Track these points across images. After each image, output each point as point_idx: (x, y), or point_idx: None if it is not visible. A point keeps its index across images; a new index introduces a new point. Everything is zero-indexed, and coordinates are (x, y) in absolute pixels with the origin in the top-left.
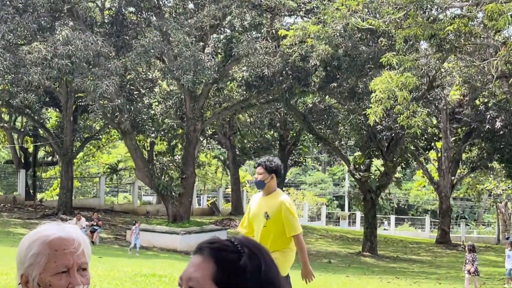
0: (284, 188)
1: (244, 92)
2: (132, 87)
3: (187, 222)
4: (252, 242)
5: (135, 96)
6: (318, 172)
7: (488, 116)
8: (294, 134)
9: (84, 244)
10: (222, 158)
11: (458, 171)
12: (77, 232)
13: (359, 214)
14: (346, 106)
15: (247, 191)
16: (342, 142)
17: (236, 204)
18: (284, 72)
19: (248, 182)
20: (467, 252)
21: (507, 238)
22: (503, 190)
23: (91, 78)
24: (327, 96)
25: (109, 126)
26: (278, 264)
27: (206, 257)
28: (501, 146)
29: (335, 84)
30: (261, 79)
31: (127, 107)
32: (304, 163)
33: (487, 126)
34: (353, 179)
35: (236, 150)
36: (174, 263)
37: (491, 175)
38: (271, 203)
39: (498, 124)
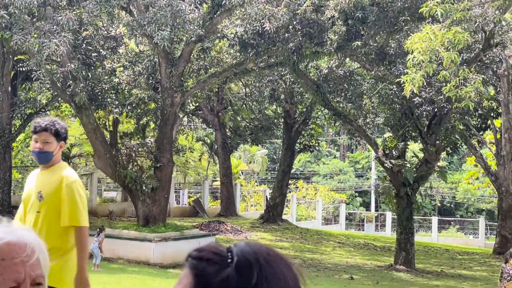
0: (290, 181)
1: (238, 54)
2: (89, 47)
3: (162, 225)
4: (256, 250)
5: (94, 59)
6: (335, 160)
7: None
8: (304, 110)
9: (39, 251)
10: (209, 141)
11: None
12: (30, 235)
13: (389, 215)
14: (373, 72)
15: (241, 185)
16: (368, 120)
17: (227, 202)
18: (291, 26)
19: (242, 172)
20: (503, 263)
21: None
22: None
23: (35, 35)
24: (347, 59)
25: (59, 99)
26: (60, 279)
27: (188, 269)
28: None
29: (359, 43)
30: (260, 36)
31: (83, 73)
32: (316, 148)
33: None
34: (382, 169)
35: (227, 130)
36: (146, 280)
37: None
38: (50, 179)
39: None
